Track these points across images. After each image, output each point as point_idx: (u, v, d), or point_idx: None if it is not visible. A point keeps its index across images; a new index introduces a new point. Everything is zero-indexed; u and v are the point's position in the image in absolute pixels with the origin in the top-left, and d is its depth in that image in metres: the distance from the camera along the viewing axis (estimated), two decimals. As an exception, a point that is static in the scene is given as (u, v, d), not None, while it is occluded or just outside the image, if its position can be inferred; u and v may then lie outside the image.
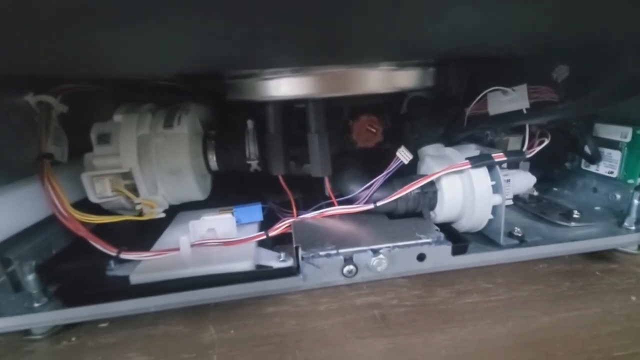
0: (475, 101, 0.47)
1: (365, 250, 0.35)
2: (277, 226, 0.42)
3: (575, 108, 0.36)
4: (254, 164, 0.47)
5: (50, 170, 0.38)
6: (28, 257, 0.38)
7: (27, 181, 0.39)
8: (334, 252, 0.35)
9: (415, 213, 0.42)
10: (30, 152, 0.41)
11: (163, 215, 0.44)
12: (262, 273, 0.36)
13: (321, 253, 0.34)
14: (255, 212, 0.46)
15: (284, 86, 0.40)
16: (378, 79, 0.41)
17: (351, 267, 0.34)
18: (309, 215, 0.43)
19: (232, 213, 0.45)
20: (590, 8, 0.25)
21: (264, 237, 0.42)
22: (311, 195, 0.51)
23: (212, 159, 0.47)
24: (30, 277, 0.34)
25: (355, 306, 0.37)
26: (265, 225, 0.44)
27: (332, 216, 0.43)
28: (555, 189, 0.56)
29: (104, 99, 0.52)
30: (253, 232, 0.42)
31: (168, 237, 0.45)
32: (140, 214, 0.45)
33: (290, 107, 0.45)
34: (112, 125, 0.42)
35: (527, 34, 0.33)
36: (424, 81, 0.43)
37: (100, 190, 0.41)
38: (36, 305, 0.34)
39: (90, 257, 0.41)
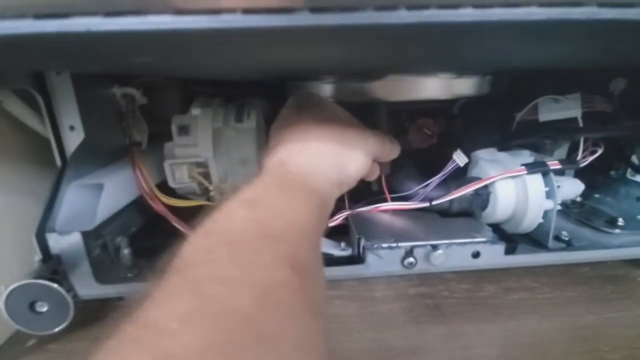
0: (526, 108, 0.49)
1: (424, 245, 0.38)
2: (335, 217, 0.46)
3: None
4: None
5: (140, 157, 0.43)
6: (116, 234, 0.42)
7: (117, 167, 0.43)
8: (395, 244, 0.38)
9: (466, 213, 0.45)
10: (115, 139, 0.46)
11: (230, 201, 0.48)
12: (327, 260, 0.40)
13: (384, 245, 0.38)
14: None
15: (351, 90, 0.43)
16: (439, 86, 0.44)
17: (411, 259, 0.37)
18: (364, 209, 0.46)
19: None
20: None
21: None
22: (356, 189, 0.54)
23: (274, 152, 0.51)
24: (126, 251, 0.39)
25: (408, 295, 0.41)
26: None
27: (386, 211, 0.46)
28: (597, 195, 0.57)
29: (173, 91, 0.56)
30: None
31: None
32: (209, 199, 0.49)
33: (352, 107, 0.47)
34: (190, 118, 0.46)
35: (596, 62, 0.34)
36: (481, 88, 0.45)
37: (179, 177, 0.45)
38: (129, 275, 0.39)
39: (166, 235, 0.46)
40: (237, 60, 0.28)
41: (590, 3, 0.16)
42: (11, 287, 0.28)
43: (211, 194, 0.46)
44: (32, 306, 0.29)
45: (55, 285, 0.29)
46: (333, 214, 0.47)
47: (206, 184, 0.46)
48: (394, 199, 0.47)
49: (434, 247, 0.38)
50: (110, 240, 0.41)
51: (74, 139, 0.37)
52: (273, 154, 0.29)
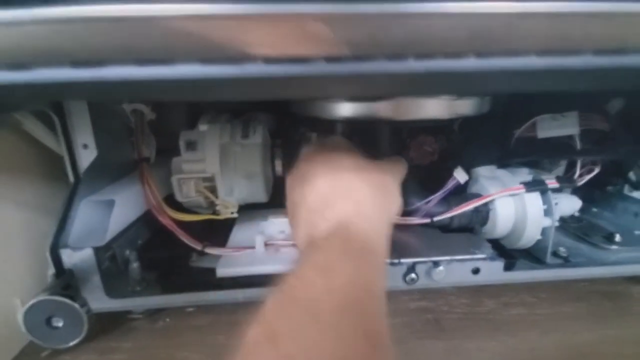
0: (525, 125, 0.50)
1: (426, 261, 0.39)
2: (339, 232, 0.47)
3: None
4: (316, 173, 0.52)
5: (149, 172, 0.44)
6: (124, 247, 0.43)
7: (126, 182, 0.44)
8: (397, 260, 0.39)
9: (466, 228, 0.46)
10: (123, 154, 0.47)
11: (236, 215, 0.49)
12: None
13: (386, 260, 0.39)
14: (317, 217, 0.51)
15: (355, 109, 0.44)
16: (440, 107, 0.45)
17: (413, 275, 0.39)
18: (367, 224, 0.48)
19: (297, 217, 0.50)
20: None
21: (328, 241, 0.46)
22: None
23: (279, 165, 0.52)
24: (135, 265, 0.40)
25: (409, 309, 0.42)
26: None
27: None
28: (594, 209, 0.58)
29: (180, 107, 0.58)
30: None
31: (239, 235, 0.50)
32: (214, 212, 0.50)
33: (354, 124, 0.49)
34: (198, 133, 0.47)
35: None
36: (481, 108, 0.46)
37: (186, 191, 0.47)
38: (138, 289, 0.40)
39: (173, 248, 0.47)
40: (257, 97, 0.29)
41: (586, 51, 0.17)
42: (29, 304, 0.29)
43: (217, 207, 0.47)
44: (48, 321, 0.30)
45: (71, 302, 0.29)
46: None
47: (212, 198, 0.47)
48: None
49: (436, 264, 0.39)
50: (119, 254, 0.42)
51: (86, 157, 0.38)
52: (326, 210, 0.26)
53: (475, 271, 0.40)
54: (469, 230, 0.46)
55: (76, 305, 0.30)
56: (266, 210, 0.55)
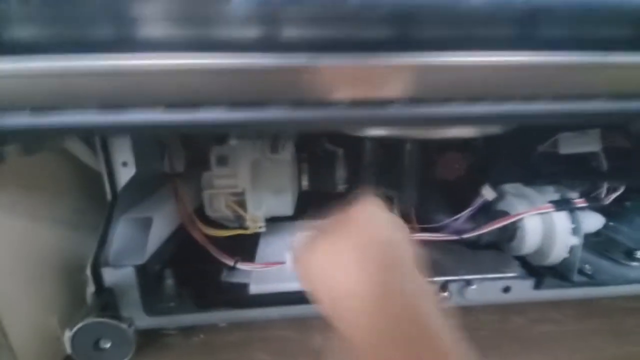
0: (548, 142, 0.51)
1: (458, 280, 0.40)
2: (367, 247, 0.48)
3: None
4: (341, 187, 0.53)
5: (182, 189, 0.44)
6: (156, 263, 0.44)
7: (160, 198, 0.45)
8: (430, 279, 0.40)
9: (492, 245, 0.46)
10: (155, 168, 0.47)
11: (264, 229, 0.49)
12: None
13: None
14: (343, 231, 0.51)
15: (385, 128, 0.45)
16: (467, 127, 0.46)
17: (446, 294, 0.39)
18: (394, 239, 0.48)
19: (324, 231, 0.50)
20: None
21: (356, 256, 0.47)
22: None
23: (305, 180, 0.52)
24: (170, 281, 0.41)
25: (441, 326, 0.42)
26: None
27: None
28: (611, 223, 0.59)
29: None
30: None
31: (266, 249, 0.50)
32: (241, 226, 0.50)
33: (382, 141, 0.49)
34: (229, 149, 0.47)
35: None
36: (508, 126, 0.47)
37: (216, 206, 0.47)
38: (172, 305, 0.41)
39: (203, 263, 0.47)
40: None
41: (601, 96, 0.18)
42: (77, 326, 0.29)
43: (247, 222, 0.48)
44: (96, 343, 0.30)
45: (119, 323, 0.30)
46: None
47: (242, 213, 0.47)
48: (423, 230, 0.48)
49: (468, 282, 0.39)
50: (152, 270, 0.42)
51: (125, 174, 0.38)
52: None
53: (506, 289, 0.40)
54: (495, 247, 0.47)
55: (124, 326, 0.30)
56: (288, 222, 0.56)
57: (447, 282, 0.39)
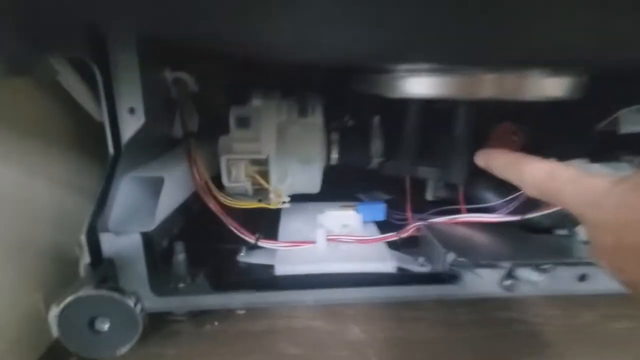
0: (609, 119, 0.46)
1: (527, 264, 0.33)
2: (407, 228, 0.41)
3: None
4: (376, 162, 0.46)
5: (197, 151, 0.37)
6: (161, 236, 0.37)
7: (170, 159, 0.38)
8: (495, 262, 0.33)
9: (551, 229, 0.40)
10: (164, 129, 0.41)
11: (288, 205, 0.43)
12: (413, 277, 0.35)
13: (482, 262, 0.33)
14: (378, 211, 0.45)
15: (430, 85, 0.39)
16: (526, 84, 0.39)
17: (513, 280, 0.33)
18: (439, 220, 0.42)
19: (356, 210, 0.44)
20: None
21: (396, 238, 0.41)
22: (403, 197, 0.51)
23: (334, 152, 0.46)
24: (181, 257, 0.34)
25: (498, 319, 0.36)
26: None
27: (461, 223, 0.42)
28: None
29: (220, 80, 0.51)
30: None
31: (289, 227, 0.44)
32: (260, 201, 0.44)
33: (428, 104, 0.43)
34: (251, 110, 0.41)
35: None
36: (575, 92, 0.41)
37: (235, 174, 0.40)
38: (181, 285, 0.34)
39: (218, 239, 0.41)
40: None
41: None
42: (67, 301, 0.22)
43: (270, 195, 0.41)
44: (91, 324, 0.23)
45: (123, 297, 0.23)
46: (399, 226, 0.42)
47: (265, 184, 0.41)
48: (470, 211, 0.42)
49: (539, 268, 0.33)
50: (163, 242, 0.35)
51: (132, 124, 0.32)
52: None
53: (582, 278, 0.34)
54: (549, 231, 0.41)
55: (129, 302, 0.23)
56: (309, 203, 0.49)
57: (513, 266, 0.33)
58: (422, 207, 0.46)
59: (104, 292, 0.23)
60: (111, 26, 0.29)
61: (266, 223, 0.46)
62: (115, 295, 0.23)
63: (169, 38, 0.33)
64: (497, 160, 0.34)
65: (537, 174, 0.27)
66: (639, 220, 0.19)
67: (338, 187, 0.49)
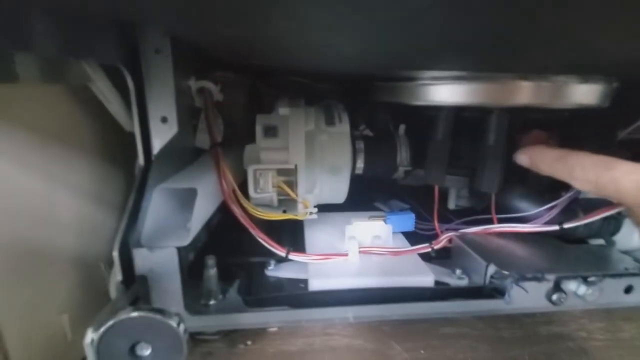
0: (633, 126, 0.45)
1: (574, 277, 0.32)
2: (440, 239, 0.40)
3: None
4: (402, 171, 0.45)
5: (224, 161, 0.36)
6: (196, 247, 0.35)
7: (198, 170, 0.36)
8: (541, 275, 0.32)
9: (587, 238, 0.39)
10: (190, 140, 0.39)
11: (315, 216, 0.41)
12: (453, 291, 0.34)
13: (528, 275, 0.32)
14: (407, 221, 0.44)
15: (466, 92, 0.38)
16: (557, 92, 0.39)
17: (562, 294, 0.32)
18: (471, 230, 0.41)
19: (385, 221, 0.42)
20: None
21: (429, 249, 0.39)
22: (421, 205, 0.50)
23: (360, 161, 0.45)
24: (212, 272, 0.32)
25: (542, 335, 0.35)
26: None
27: (493, 234, 0.41)
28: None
29: (243, 90, 0.50)
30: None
31: (316, 239, 0.42)
32: (285, 212, 0.42)
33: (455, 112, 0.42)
34: (278, 118, 0.40)
35: None
36: (605, 100, 0.41)
37: (262, 185, 0.39)
38: (213, 302, 0.32)
39: (245, 252, 0.39)
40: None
41: None
42: (107, 325, 0.21)
43: (299, 206, 0.39)
44: (132, 350, 0.22)
45: (167, 320, 0.21)
46: (428, 237, 0.41)
47: (293, 195, 0.39)
48: (501, 220, 0.41)
49: (586, 280, 0.32)
50: (195, 257, 0.34)
51: (164, 133, 0.30)
52: None
53: (628, 290, 0.33)
54: (583, 241, 0.40)
55: (173, 324, 0.22)
56: (333, 213, 0.48)
57: (560, 279, 0.32)
58: (443, 216, 0.45)
59: (147, 314, 0.21)
60: (145, 30, 0.28)
61: (289, 235, 0.45)
62: (159, 317, 0.21)
63: (202, 43, 0.32)
64: (543, 155, 0.33)
65: (590, 165, 0.27)
66: None
67: (354, 197, 0.48)
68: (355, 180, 0.46)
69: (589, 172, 0.26)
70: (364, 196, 0.57)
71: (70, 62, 0.25)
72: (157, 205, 0.29)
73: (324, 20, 0.21)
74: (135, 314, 0.21)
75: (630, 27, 0.22)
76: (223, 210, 0.36)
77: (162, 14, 0.24)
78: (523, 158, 0.35)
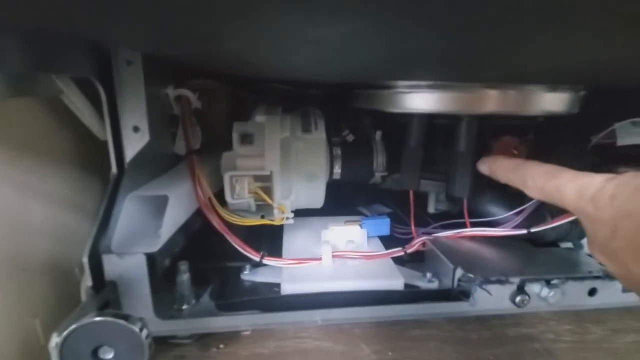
0: (605, 132, 0.46)
1: (537, 280, 0.33)
2: (413, 243, 0.41)
3: None
4: (379, 176, 0.46)
5: (200, 168, 0.37)
6: (163, 256, 0.36)
7: (172, 177, 0.37)
8: (505, 278, 0.33)
9: (555, 242, 0.40)
10: (166, 147, 0.40)
11: (292, 221, 0.42)
12: (422, 294, 0.34)
13: (492, 278, 0.33)
14: (383, 225, 0.44)
15: (437, 100, 0.39)
16: (528, 100, 0.40)
17: (525, 296, 0.32)
18: (443, 234, 0.42)
19: (361, 225, 0.43)
20: None
21: (402, 253, 0.40)
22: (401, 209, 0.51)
23: (337, 167, 0.46)
24: (185, 277, 0.33)
25: (509, 337, 0.35)
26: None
27: (466, 238, 0.41)
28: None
29: (222, 97, 0.51)
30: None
31: (292, 244, 0.43)
32: (263, 217, 0.43)
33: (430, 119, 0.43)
34: (254, 126, 0.41)
35: None
36: (573, 107, 0.42)
37: (239, 191, 0.40)
38: (186, 307, 0.33)
39: (220, 257, 0.40)
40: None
41: None
42: (69, 329, 0.21)
43: (275, 211, 0.40)
44: (94, 353, 0.22)
45: (129, 325, 0.22)
46: (405, 240, 0.42)
47: (268, 200, 0.40)
48: (474, 224, 0.42)
49: (548, 283, 0.33)
50: (166, 263, 0.34)
51: (136, 142, 0.31)
52: None
53: (592, 292, 0.34)
54: (553, 244, 0.41)
55: (135, 329, 0.22)
56: (311, 218, 0.49)
57: (524, 282, 0.33)
58: (422, 220, 0.46)
59: (109, 319, 0.22)
60: (116, 45, 0.28)
61: (268, 239, 0.45)
62: (121, 322, 0.22)
63: (174, 58, 0.33)
64: (500, 165, 0.35)
65: (538, 175, 0.28)
66: (631, 211, 0.20)
67: (337, 200, 0.49)
68: (337, 184, 0.47)
69: (538, 181, 0.28)
70: (347, 200, 0.58)
71: (40, 75, 0.26)
72: (128, 212, 0.30)
73: (281, 40, 0.22)
74: (98, 318, 0.22)
75: (588, 40, 0.23)
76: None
77: (127, 39, 0.25)
78: (484, 167, 0.36)
